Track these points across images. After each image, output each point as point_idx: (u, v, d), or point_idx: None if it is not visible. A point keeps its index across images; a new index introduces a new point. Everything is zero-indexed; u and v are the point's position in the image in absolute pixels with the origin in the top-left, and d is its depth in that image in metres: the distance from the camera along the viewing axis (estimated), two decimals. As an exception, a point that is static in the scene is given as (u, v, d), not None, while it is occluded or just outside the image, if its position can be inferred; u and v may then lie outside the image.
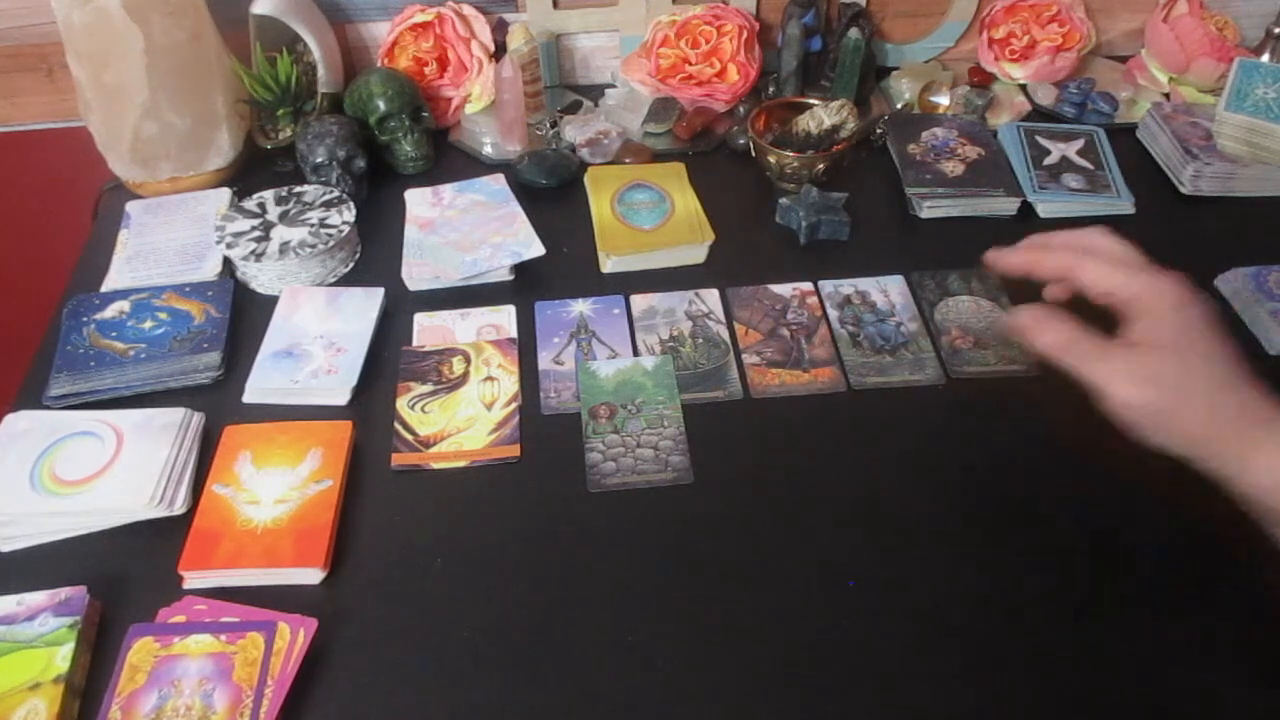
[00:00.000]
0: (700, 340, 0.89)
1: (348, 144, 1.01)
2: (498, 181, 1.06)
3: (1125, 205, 1.03)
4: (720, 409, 0.83)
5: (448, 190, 1.05)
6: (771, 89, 1.19)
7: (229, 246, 0.94)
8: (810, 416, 0.83)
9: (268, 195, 1.00)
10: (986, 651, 0.66)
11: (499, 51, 1.15)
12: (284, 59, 1.05)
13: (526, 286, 0.95)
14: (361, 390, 0.85)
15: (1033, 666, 0.65)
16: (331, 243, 0.94)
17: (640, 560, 0.72)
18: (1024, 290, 0.93)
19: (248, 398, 0.84)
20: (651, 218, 1.01)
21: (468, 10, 1.15)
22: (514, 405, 0.83)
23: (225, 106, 1.05)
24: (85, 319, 0.89)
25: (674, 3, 1.19)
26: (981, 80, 1.22)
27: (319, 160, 1.01)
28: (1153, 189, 1.06)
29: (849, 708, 0.63)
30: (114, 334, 0.88)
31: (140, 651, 0.64)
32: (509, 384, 0.85)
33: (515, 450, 0.79)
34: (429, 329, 0.91)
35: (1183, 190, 1.05)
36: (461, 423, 0.82)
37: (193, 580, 0.70)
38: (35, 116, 1.18)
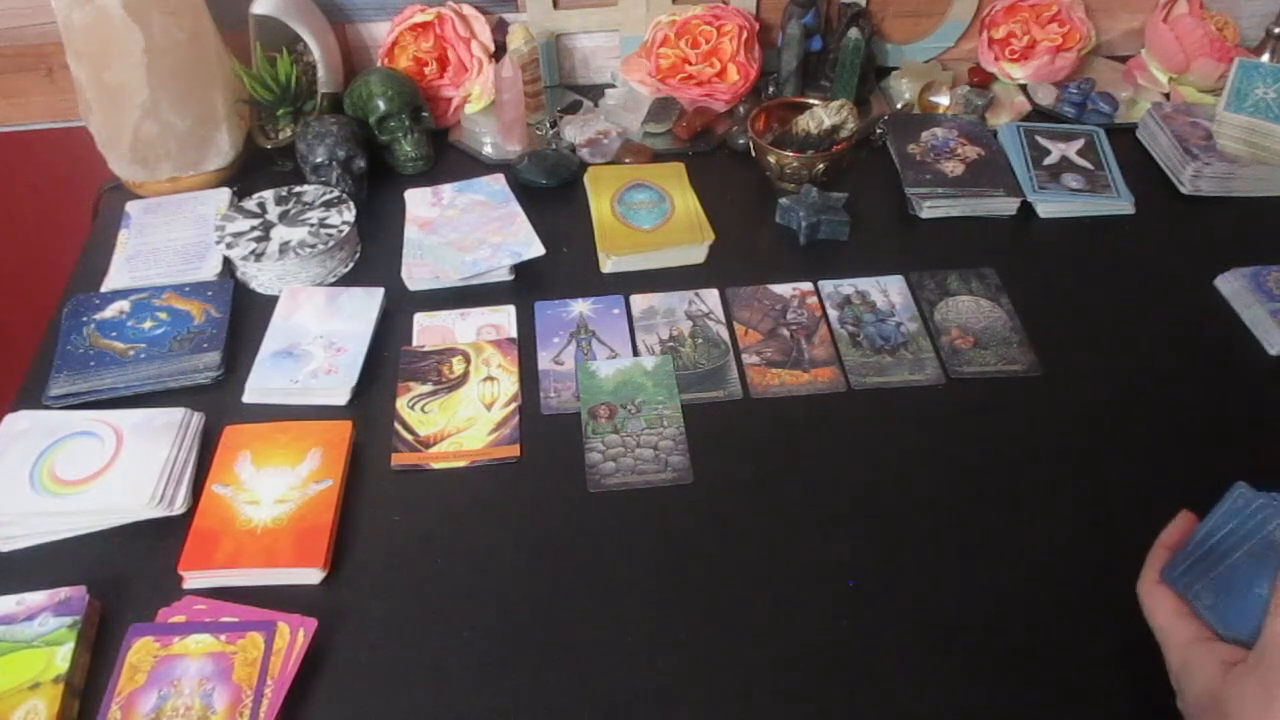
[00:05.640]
0: (700, 340, 0.89)
1: (348, 144, 1.01)
2: (498, 181, 1.06)
3: (1125, 205, 1.04)
4: (720, 409, 0.83)
5: (448, 190, 1.05)
6: (771, 89, 1.19)
7: (229, 246, 0.94)
8: (810, 416, 0.83)
9: (268, 195, 1.00)
10: (986, 651, 0.66)
11: (499, 51, 1.15)
12: (284, 59, 1.05)
13: (526, 286, 0.95)
14: (361, 390, 0.84)
15: (1033, 666, 0.65)
16: (331, 243, 0.94)
17: (640, 560, 0.72)
18: (1025, 292, 0.93)
19: (248, 398, 0.84)
20: (651, 218, 1.01)
21: (468, 10, 1.15)
22: (514, 405, 0.83)
23: (225, 106, 1.05)
24: (85, 319, 0.89)
25: (674, 3, 1.19)
26: (981, 80, 1.22)
27: (319, 160, 1.01)
28: (1153, 189, 1.06)
29: (849, 707, 0.63)
30: (114, 334, 0.88)
31: (140, 651, 0.64)
32: (509, 384, 0.85)
33: (515, 450, 0.79)
34: (429, 329, 0.91)
35: (1183, 190, 1.05)
36: (461, 423, 0.82)
37: (193, 580, 0.70)
38: (35, 116, 1.18)
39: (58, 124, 1.19)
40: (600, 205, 1.03)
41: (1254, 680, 0.51)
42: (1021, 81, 1.21)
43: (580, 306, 0.93)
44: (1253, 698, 0.50)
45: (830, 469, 0.78)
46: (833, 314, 0.91)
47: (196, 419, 0.81)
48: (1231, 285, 0.93)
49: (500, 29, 1.17)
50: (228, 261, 0.97)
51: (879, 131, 1.13)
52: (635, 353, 0.88)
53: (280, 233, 0.95)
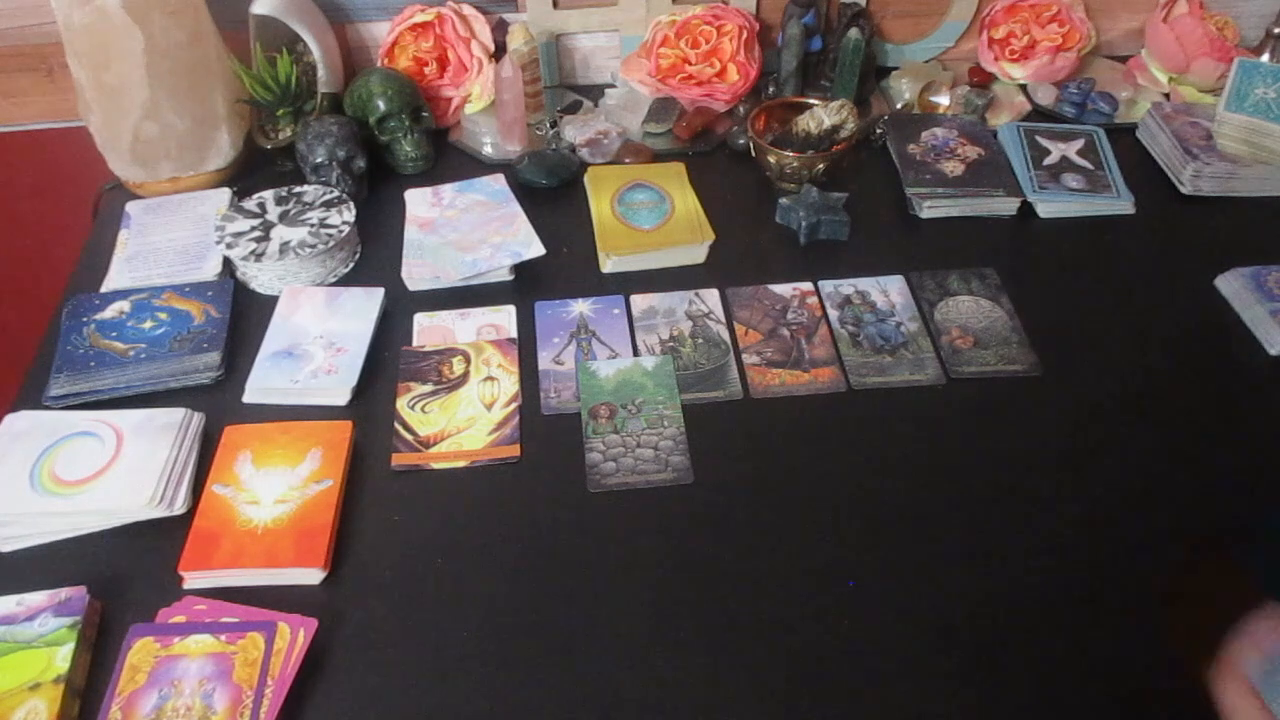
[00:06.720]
0: (700, 340, 0.89)
1: (348, 144, 1.01)
2: (498, 181, 1.06)
3: (1125, 205, 1.04)
4: (720, 409, 0.83)
5: (448, 190, 1.05)
6: (771, 89, 1.19)
7: (229, 246, 0.94)
8: (810, 416, 0.83)
9: (268, 195, 1.00)
10: (986, 651, 0.66)
11: (499, 51, 1.15)
12: (284, 59, 1.05)
13: (526, 286, 0.95)
14: (361, 390, 0.85)
15: (1033, 666, 0.65)
16: (331, 243, 0.94)
17: (640, 560, 0.72)
18: (1025, 292, 0.93)
19: (248, 398, 0.84)
20: (651, 218, 1.01)
21: (468, 10, 1.15)
22: (514, 405, 0.83)
23: (225, 106, 1.05)
24: (85, 319, 0.89)
25: (674, 3, 1.19)
26: (981, 80, 1.22)
27: (319, 160, 1.01)
28: (1153, 189, 1.06)
29: (849, 707, 0.63)
30: (114, 334, 0.88)
31: (140, 651, 0.64)
32: (509, 384, 0.85)
33: (515, 450, 0.79)
34: (429, 329, 0.91)
35: (1183, 190, 1.05)
36: (461, 423, 0.82)
37: (193, 580, 0.70)
38: (35, 116, 1.18)
39: (58, 124, 1.19)
40: (600, 205, 1.03)
41: None
42: (1021, 81, 1.21)
43: (580, 306, 0.93)
44: None
45: (830, 469, 0.78)
46: (833, 314, 0.92)
47: (196, 419, 0.81)
48: (1231, 285, 0.93)
49: (500, 29, 1.17)
50: (228, 261, 0.97)
51: (879, 131, 1.12)
52: (635, 353, 0.88)
53: (280, 233, 0.95)
